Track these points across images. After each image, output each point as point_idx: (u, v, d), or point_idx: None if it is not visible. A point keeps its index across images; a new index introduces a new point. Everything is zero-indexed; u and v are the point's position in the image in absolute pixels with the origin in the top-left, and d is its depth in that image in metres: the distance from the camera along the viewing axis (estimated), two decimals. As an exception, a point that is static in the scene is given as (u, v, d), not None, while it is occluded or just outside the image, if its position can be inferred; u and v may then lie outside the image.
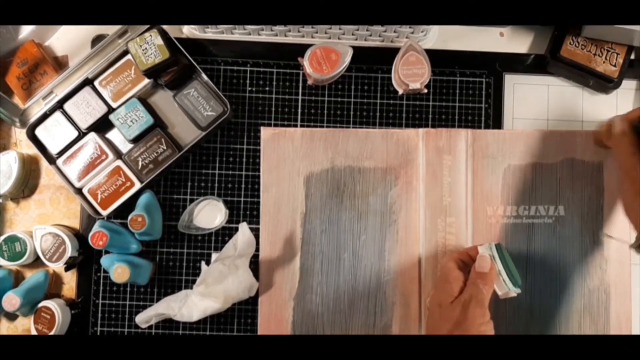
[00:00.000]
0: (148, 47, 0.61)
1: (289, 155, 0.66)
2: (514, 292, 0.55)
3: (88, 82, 0.64)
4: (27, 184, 0.66)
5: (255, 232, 0.64)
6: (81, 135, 0.64)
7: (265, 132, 0.66)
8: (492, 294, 0.56)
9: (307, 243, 0.65)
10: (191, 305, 0.59)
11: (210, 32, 0.67)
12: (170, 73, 0.63)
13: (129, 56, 0.64)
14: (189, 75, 0.65)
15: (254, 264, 0.64)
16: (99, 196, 0.63)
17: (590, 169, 0.66)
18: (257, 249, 0.64)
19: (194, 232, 0.66)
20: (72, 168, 0.63)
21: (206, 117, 0.63)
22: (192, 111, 0.63)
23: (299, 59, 0.65)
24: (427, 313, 0.62)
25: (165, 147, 0.63)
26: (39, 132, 0.64)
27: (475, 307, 0.52)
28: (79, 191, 0.63)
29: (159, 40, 0.61)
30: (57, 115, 0.64)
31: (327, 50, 0.64)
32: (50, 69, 0.65)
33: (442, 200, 0.65)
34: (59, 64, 0.67)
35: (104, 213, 0.63)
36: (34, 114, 0.64)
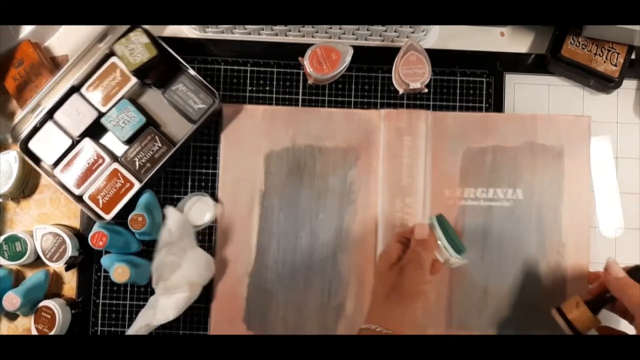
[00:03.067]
0: (134, 47, 0.61)
1: (250, 133, 0.66)
2: (456, 258, 0.55)
3: (75, 89, 0.64)
4: (27, 183, 0.66)
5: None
6: (75, 142, 0.64)
7: (227, 109, 0.66)
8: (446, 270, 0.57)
9: (264, 220, 0.65)
10: (163, 307, 0.60)
11: (211, 32, 0.67)
12: (157, 71, 0.63)
13: (112, 59, 0.64)
14: (175, 71, 0.65)
15: (210, 229, 0.65)
16: (100, 201, 0.63)
17: (551, 154, 0.66)
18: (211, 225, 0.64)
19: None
20: (70, 176, 0.63)
21: (197, 110, 0.63)
22: (183, 106, 0.63)
23: (300, 58, 0.65)
24: None
25: (160, 145, 0.63)
26: (33, 145, 0.63)
27: (413, 269, 0.52)
28: (79, 199, 0.63)
29: (145, 39, 0.62)
30: (49, 125, 0.64)
31: (328, 49, 0.64)
32: (45, 71, 0.65)
33: (400, 181, 0.65)
34: (58, 64, 0.67)
35: (108, 217, 0.62)
36: (25, 128, 0.63)
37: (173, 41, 0.65)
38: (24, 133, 0.63)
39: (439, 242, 0.54)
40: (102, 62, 0.64)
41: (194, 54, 0.68)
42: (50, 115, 0.64)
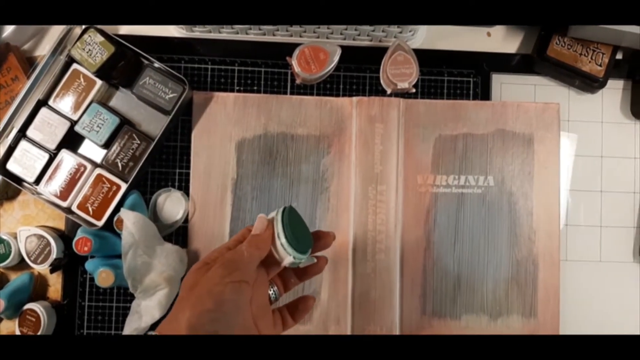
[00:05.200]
0: (91, 47, 0.61)
1: (221, 120, 0.66)
2: (293, 257, 0.46)
3: (42, 103, 0.63)
4: (10, 185, 0.65)
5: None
6: (53, 155, 0.63)
7: (198, 97, 0.66)
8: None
9: (237, 209, 0.65)
10: (146, 308, 0.59)
11: (198, 32, 0.67)
12: (120, 69, 0.63)
13: (73, 66, 0.63)
14: (138, 66, 0.64)
15: (183, 229, 0.65)
16: (90, 208, 0.62)
17: (521, 141, 0.67)
18: (186, 220, 0.64)
19: (167, 230, 0.65)
20: (55, 190, 0.62)
21: (169, 100, 0.63)
22: (154, 98, 0.63)
23: (287, 58, 0.65)
24: None
25: (139, 142, 0.63)
26: (11, 166, 0.62)
27: (217, 267, 0.43)
28: (69, 210, 0.63)
29: (100, 38, 0.61)
30: (23, 144, 0.63)
31: (316, 49, 0.64)
32: (21, 75, 0.64)
33: (373, 169, 0.65)
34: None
35: (100, 223, 0.61)
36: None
37: (138, 39, 0.65)
38: None
39: (278, 240, 0.46)
40: (63, 71, 0.63)
41: (181, 53, 0.67)
42: (22, 133, 0.63)
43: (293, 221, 0.47)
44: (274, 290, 0.49)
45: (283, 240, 0.45)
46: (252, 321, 0.45)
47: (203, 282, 0.42)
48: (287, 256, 0.46)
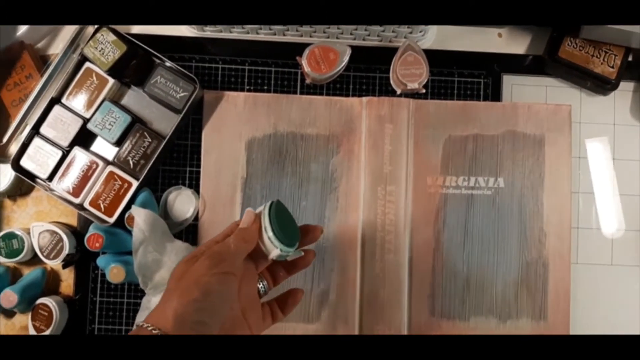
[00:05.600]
0: (104, 46, 0.62)
1: (232, 119, 0.66)
2: (282, 250, 0.46)
3: (55, 101, 0.64)
4: (24, 181, 0.66)
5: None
6: (66, 153, 0.64)
7: (208, 96, 0.66)
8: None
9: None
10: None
11: (209, 31, 0.67)
12: (132, 68, 0.63)
13: (86, 64, 0.64)
14: (150, 65, 0.65)
15: (193, 227, 0.65)
16: (102, 205, 0.63)
17: (532, 142, 0.67)
18: (196, 217, 0.65)
19: (177, 228, 0.65)
20: (67, 186, 0.63)
21: (180, 98, 0.63)
22: (165, 97, 0.63)
23: (297, 58, 0.65)
24: None
25: (150, 140, 0.63)
26: (24, 162, 0.63)
27: (204, 260, 0.44)
28: (81, 207, 0.63)
29: (112, 37, 0.62)
30: (37, 141, 0.63)
31: (326, 49, 0.64)
32: (35, 73, 0.65)
33: (382, 169, 0.65)
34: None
35: (111, 220, 0.62)
36: (12, 146, 0.64)
37: (150, 38, 0.66)
38: (13, 152, 0.63)
39: (265, 233, 0.47)
40: (76, 69, 0.64)
41: (192, 52, 0.68)
42: (36, 130, 0.64)
43: (280, 215, 0.48)
44: (263, 284, 0.50)
45: (270, 233, 0.46)
46: (240, 313, 0.46)
47: (190, 273, 0.43)
48: (274, 249, 0.46)
